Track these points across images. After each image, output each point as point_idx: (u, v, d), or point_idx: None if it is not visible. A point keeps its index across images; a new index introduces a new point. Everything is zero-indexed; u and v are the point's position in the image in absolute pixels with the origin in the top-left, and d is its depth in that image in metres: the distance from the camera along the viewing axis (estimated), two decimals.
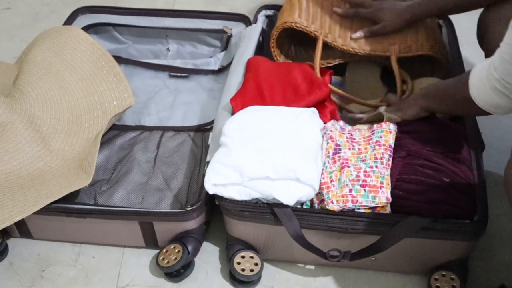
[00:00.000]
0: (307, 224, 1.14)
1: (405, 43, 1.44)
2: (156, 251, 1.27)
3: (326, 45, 1.47)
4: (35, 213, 1.20)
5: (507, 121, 1.57)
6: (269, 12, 1.64)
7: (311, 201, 1.18)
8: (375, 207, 1.14)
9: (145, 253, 1.29)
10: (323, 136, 1.23)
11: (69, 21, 1.66)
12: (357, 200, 1.13)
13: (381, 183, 1.13)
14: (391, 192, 1.13)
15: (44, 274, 1.27)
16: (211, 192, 1.16)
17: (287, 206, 1.14)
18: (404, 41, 1.45)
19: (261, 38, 1.57)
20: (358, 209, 1.14)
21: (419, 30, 1.46)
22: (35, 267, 1.28)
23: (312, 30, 1.45)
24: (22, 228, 1.29)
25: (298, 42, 1.58)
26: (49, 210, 1.22)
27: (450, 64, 1.44)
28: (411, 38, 1.45)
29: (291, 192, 1.13)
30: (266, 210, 1.15)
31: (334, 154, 1.20)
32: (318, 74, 1.42)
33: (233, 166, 1.15)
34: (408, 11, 1.41)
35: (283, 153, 1.16)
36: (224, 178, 1.14)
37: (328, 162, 1.19)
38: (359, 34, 1.46)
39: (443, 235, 1.11)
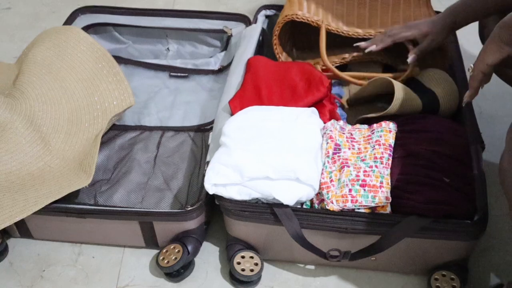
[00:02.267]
0: (307, 224, 1.14)
1: None
2: (156, 251, 1.27)
3: (328, 48, 1.46)
4: (35, 213, 1.20)
5: (507, 120, 1.56)
6: (269, 12, 1.64)
7: (311, 201, 1.18)
8: (375, 207, 1.14)
9: (145, 253, 1.29)
10: (322, 136, 1.23)
11: (69, 21, 1.66)
12: (356, 200, 1.13)
13: (381, 182, 1.13)
14: (391, 192, 1.13)
15: (44, 274, 1.27)
16: (211, 192, 1.16)
17: (287, 206, 1.14)
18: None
19: (261, 38, 1.57)
20: (358, 209, 1.14)
21: (425, 13, 1.46)
22: (35, 267, 1.28)
23: (314, 20, 1.44)
24: (22, 228, 1.29)
25: (300, 46, 1.58)
26: (49, 210, 1.22)
27: (451, 59, 1.42)
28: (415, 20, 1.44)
29: (291, 192, 1.13)
30: (266, 210, 1.15)
31: (334, 154, 1.20)
32: (327, 62, 1.41)
33: (233, 166, 1.15)
34: (450, 19, 1.33)
35: (283, 153, 1.16)
36: (224, 178, 1.14)
37: (328, 162, 1.19)
38: (411, 57, 1.37)
39: (443, 235, 1.11)
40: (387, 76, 1.38)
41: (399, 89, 1.27)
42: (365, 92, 1.37)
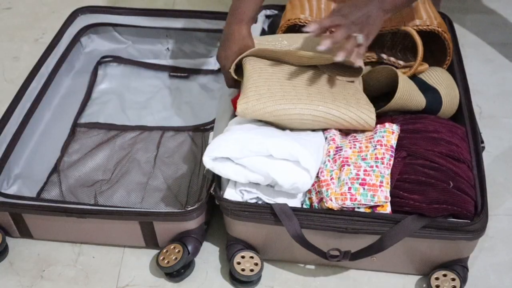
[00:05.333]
0: (307, 224, 1.14)
1: (412, 20, 1.39)
2: (156, 251, 1.27)
3: None
4: (35, 213, 1.20)
5: (506, 121, 1.57)
6: (269, 12, 1.64)
7: (310, 200, 1.18)
8: (375, 207, 1.14)
9: (145, 253, 1.29)
10: (326, 138, 1.23)
11: (69, 21, 1.66)
12: (355, 199, 1.13)
13: (381, 182, 1.13)
14: (392, 192, 1.13)
15: (44, 274, 1.27)
16: (207, 166, 1.14)
17: (286, 204, 1.14)
18: (410, 18, 1.41)
19: None
20: (357, 207, 1.14)
21: (427, 10, 1.44)
22: (35, 267, 1.28)
23: None
24: (22, 228, 1.29)
25: None
26: (49, 210, 1.22)
27: (451, 59, 1.41)
28: (418, 16, 1.42)
29: (289, 174, 1.12)
30: (266, 210, 1.15)
31: (335, 154, 1.20)
32: None
33: (235, 140, 1.14)
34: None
35: (285, 138, 1.16)
36: (224, 151, 1.13)
37: (329, 160, 1.19)
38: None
39: (443, 235, 1.11)
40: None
41: (403, 81, 1.26)
42: (370, 81, 1.35)
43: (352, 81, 1.29)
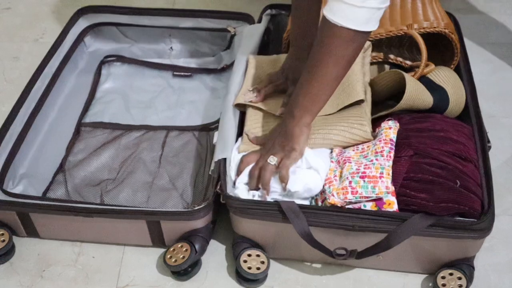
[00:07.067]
0: (314, 222, 1.13)
1: (419, 22, 1.40)
2: (158, 251, 1.27)
3: None
4: (42, 212, 1.20)
5: (506, 121, 1.58)
6: (274, 12, 1.64)
7: (316, 200, 1.19)
8: (382, 204, 1.14)
9: (146, 253, 1.29)
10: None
11: (72, 20, 1.66)
12: (356, 191, 1.13)
13: (381, 173, 1.13)
14: (399, 191, 1.14)
15: (44, 274, 1.26)
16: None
17: (293, 202, 1.14)
18: (417, 19, 1.42)
19: (265, 37, 1.57)
20: (362, 203, 1.14)
21: (435, 11, 1.44)
22: (35, 267, 1.27)
23: None
24: (29, 228, 1.28)
25: None
26: (57, 209, 1.22)
27: (458, 58, 1.42)
28: (425, 18, 1.42)
29: (300, 179, 1.15)
30: (273, 208, 1.15)
31: (338, 155, 1.22)
32: None
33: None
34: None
35: None
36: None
37: (332, 161, 1.21)
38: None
39: (450, 234, 1.12)
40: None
41: (411, 82, 1.26)
42: (376, 87, 1.36)
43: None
